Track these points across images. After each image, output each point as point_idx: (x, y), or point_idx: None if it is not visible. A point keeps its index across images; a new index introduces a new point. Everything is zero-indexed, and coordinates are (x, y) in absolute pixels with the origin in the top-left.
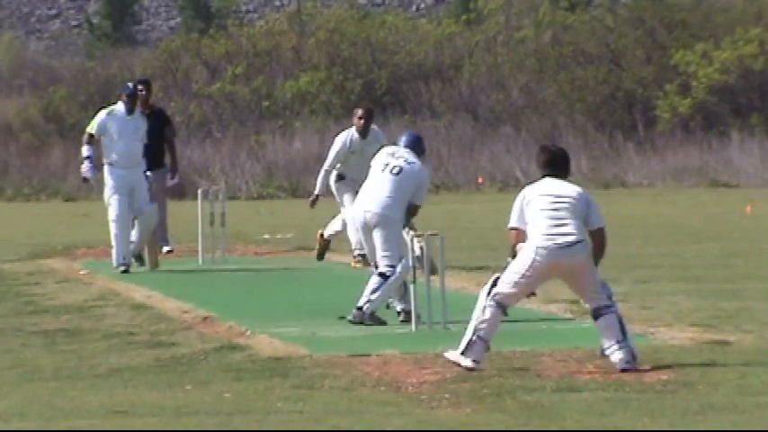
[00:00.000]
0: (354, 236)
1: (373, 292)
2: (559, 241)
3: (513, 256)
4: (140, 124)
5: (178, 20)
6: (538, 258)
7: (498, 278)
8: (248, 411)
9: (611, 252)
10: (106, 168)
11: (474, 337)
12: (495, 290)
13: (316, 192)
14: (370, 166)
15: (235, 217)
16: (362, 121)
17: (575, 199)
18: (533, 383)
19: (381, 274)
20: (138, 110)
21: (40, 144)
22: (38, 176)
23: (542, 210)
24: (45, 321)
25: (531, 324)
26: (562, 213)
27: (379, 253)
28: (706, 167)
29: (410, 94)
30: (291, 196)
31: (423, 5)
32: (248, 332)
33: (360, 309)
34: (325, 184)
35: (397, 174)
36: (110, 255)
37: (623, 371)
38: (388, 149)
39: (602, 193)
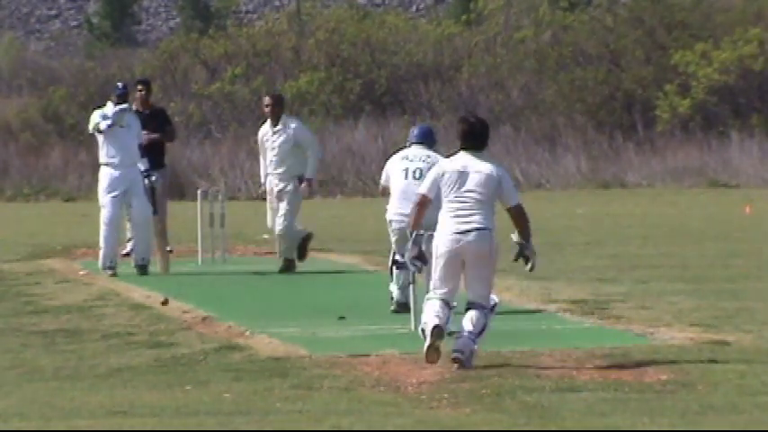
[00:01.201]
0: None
1: None
2: (462, 227)
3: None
4: (132, 122)
5: (178, 20)
6: (446, 242)
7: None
8: (248, 411)
9: (611, 252)
10: (101, 169)
11: (426, 332)
12: (431, 294)
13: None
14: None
15: (234, 217)
16: (269, 109)
17: (487, 178)
18: (533, 383)
19: None
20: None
21: (39, 144)
22: (37, 176)
23: (452, 199)
24: (45, 321)
25: (531, 324)
26: (470, 204)
27: None
28: (706, 168)
29: (410, 95)
30: None
31: (422, 5)
32: (248, 332)
33: None
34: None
35: (421, 176)
36: None
37: (454, 360)
38: (401, 153)
39: (601, 194)
